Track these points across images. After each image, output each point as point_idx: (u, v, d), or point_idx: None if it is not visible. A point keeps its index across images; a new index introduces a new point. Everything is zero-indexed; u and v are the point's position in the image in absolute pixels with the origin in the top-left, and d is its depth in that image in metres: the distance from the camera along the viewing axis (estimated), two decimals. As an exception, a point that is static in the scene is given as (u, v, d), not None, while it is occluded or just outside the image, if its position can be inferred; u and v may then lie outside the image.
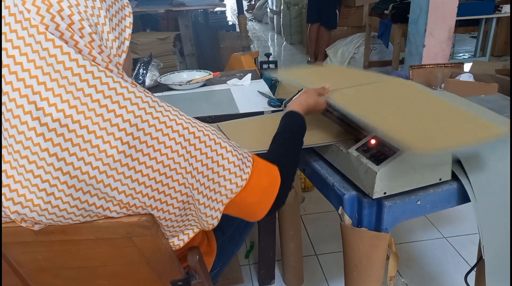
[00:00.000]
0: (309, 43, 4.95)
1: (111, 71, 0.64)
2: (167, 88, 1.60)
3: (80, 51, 0.61)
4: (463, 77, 2.53)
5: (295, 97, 1.05)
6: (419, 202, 0.92)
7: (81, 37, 0.61)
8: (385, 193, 0.88)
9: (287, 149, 0.91)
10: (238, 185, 0.73)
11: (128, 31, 0.73)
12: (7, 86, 0.59)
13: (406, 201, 0.90)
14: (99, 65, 0.62)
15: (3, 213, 0.65)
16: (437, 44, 3.01)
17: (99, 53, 0.63)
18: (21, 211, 0.63)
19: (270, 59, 3.18)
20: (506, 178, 0.91)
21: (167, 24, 3.59)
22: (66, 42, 0.60)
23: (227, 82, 1.62)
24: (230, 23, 4.94)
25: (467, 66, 2.98)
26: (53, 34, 0.59)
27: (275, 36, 7.14)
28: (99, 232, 0.71)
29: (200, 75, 1.66)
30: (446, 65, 2.90)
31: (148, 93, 0.68)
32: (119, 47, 0.70)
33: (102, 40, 0.65)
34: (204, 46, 3.51)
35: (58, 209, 0.64)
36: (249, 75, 1.62)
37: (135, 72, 1.61)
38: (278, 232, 1.56)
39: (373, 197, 0.88)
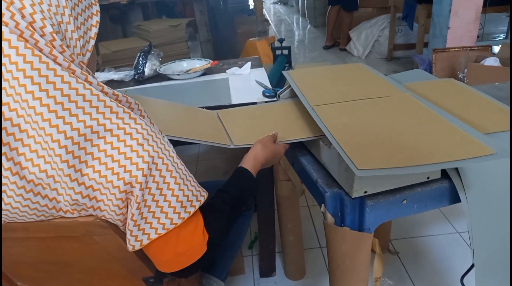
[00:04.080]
0: (327, 26, 4.81)
1: (74, 71, 0.62)
2: (166, 78, 1.58)
3: (40, 50, 0.60)
4: (488, 61, 2.37)
5: (251, 148, 0.94)
6: (405, 201, 0.86)
7: (41, 36, 0.60)
8: (365, 192, 0.83)
9: (222, 219, 0.81)
10: (173, 222, 0.69)
11: (94, 30, 0.71)
12: None
13: (390, 200, 0.85)
14: (61, 65, 0.61)
15: None
16: (462, 25, 2.83)
17: (61, 53, 0.62)
18: None
19: (285, 44, 3.10)
20: (503, 177, 0.83)
21: (183, 10, 3.57)
22: (26, 41, 0.59)
23: (227, 71, 1.58)
24: (251, 7, 4.85)
25: (496, 49, 2.80)
26: (13, 33, 0.57)
27: (300, 19, 6.99)
28: (59, 231, 0.71)
29: (200, 64, 1.63)
30: (472, 48, 2.73)
31: (113, 99, 0.66)
32: (83, 46, 0.68)
33: (66, 39, 0.64)
34: (220, 32, 3.47)
35: (11, 207, 0.64)
36: (248, 64, 1.58)
37: (135, 61, 1.60)
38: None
39: (353, 196, 0.83)
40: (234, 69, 1.57)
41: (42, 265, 0.86)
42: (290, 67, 2.85)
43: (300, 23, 6.77)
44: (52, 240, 0.76)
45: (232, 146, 0.97)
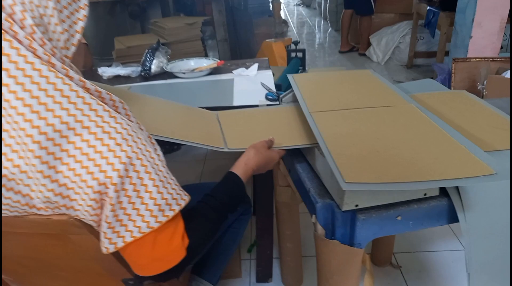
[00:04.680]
0: (342, 30, 4.74)
1: (54, 65, 0.61)
2: (173, 75, 1.57)
3: (20, 43, 0.58)
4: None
5: (244, 153, 0.91)
6: (399, 218, 0.82)
7: (21, 28, 0.59)
8: (356, 205, 0.79)
9: (206, 224, 0.79)
10: (149, 226, 0.66)
11: (81, 23, 0.69)
12: None
13: (383, 216, 0.81)
14: (41, 58, 0.60)
15: None
16: (486, 36, 2.73)
17: (41, 46, 0.61)
18: None
19: (300, 47, 3.06)
20: (504, 200, 0.78)
21: (203, 9, 3.57)
22: (5, 33, 0.57)
23: (233, 71, 1.56)
24: (271, 8, 4.83)
25: (520, 61, 2.69)
26: None
27: (322, 22, 6.92)
28: (35, 227, 0.69)
29: (207, 63, 1.61)
30: (494, 59, 2.63)
31: (94, 96, 0.64)
32: (67, 39, 0.67)
33: (48, 32, 0.63)
34: (238, 32, 3.45)
35: None
36: (255, 65, 1.55)
37: (143, 58, 1.59)
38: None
39: (343, 209, 0.79)
40: (241, 70, 1.54)
41: (25, 260, 0.85)
42: (304, 70, 2.81)
43: (322, 26, 6.70)
44: (32, 236, 0.74)
45: (226, 150, 0.94)
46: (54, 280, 0.91)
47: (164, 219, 0.68)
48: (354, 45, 4.89)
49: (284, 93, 1.21)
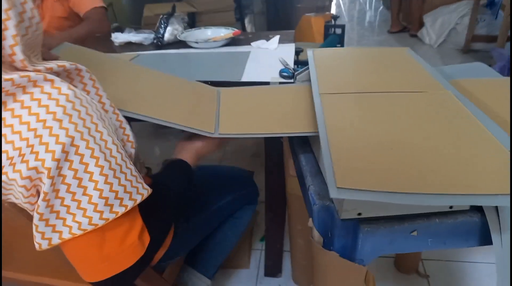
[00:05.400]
0: (391, 8, 4.38)
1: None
2: (187, 45, 1.43)
3: None
4: None
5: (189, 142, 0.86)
6: (415, 233, 0.65)
7: None
8: (359, 214, 0.63)
9: (163, 216, 0.72)
10: (92, 222, 0.55)
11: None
12: None
13: (394, 229, 0.64)
14: None
15: None
16: (558, 18, 2.37)
17: None
18: None
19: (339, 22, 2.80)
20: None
21: (242, -22, 3.38)
22: None
23: (251, 43, 1.39)
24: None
25: None
26: None
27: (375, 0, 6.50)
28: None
29: (225, 33, 1.46)
30: None
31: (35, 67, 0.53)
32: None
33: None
34: (277, 4, 3.24)
35: None
36: (276, 38, 1.38)
37: (156, 26, 1.47)
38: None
39: (341, 217, 0.64)
40: (260, 43, 1.38)
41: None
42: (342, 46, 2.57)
43: (374, 4, 6.29)
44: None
45: (215, 135, 0.80)
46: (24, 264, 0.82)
47: (111, 216, 0.56)
48: (405, 25, 4.52)
49: (300, 70, 1.04)
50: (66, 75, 0.61)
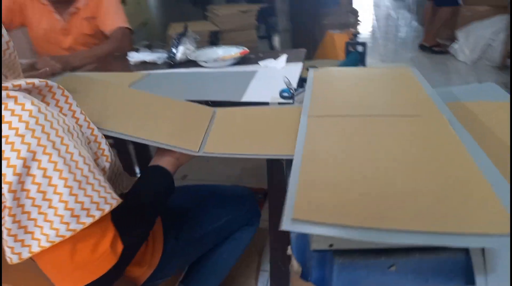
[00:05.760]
0: (424, 24, 4.27)
1: None
2: (198, 64, 1.45)
3: None
4: None
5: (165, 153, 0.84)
6: (393, 268, 0.61)
7: None
8: (331, 245, 0.60)
9: (138, 225, 0.72)
10: (59, 234, 0.55)
11: None
12: None
13: (370, 263, 0.61)
14: None
15: None
16: None
17: None
18: None
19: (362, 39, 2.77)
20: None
21: (268, -5, 3.42)
22: None
23: (259, 62, 1.39)
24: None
25: None
26: None
27: (408, 15, 6.36)
28: None
29: (236, 52, 1.47)
30: None
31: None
32: None
33: None
34: (302, 21, 3.24)
35: None
36: (284, 57, 1.37)
37: (170, 44, 1.50)
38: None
39: (312, 248, 0.61)
40: (268, 61, 1.37)
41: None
42: (363, 66, 2.52)
43: (406, 20, 6.17)
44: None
45: (200, 154, 0.80)
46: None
47: (78, 227, 0.57)
48: (439, 41, 4.39)
49: (299, 91, 1.02)
50: (37, 92, 0.64)
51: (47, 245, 0.56)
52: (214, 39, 2.50)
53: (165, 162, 0.81)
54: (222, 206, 1.10)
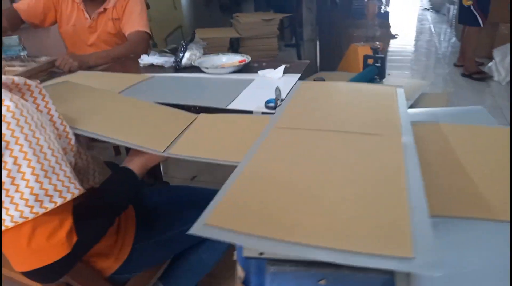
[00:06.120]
0: (461, 42, 4.14)
1: None
2: (201, 70, 1.50)
3: None
4: None
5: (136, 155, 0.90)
6: (323, 282, 0.62)
7: None
8: (261, 253, 0.62)
9: (100, 221, 0.78)
10: (23, 215, 0.62)
11: None
12: None
13: (301, 275, 0.62)
14: None
15: None
16: None
17: None
18: None
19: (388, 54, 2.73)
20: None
21: (297, 6, 3.45)
22: None
23: (258, 71, 1.42)
24: (382, 10, 4.46)
25: None
26: None
27: (447, 30, 6.18)
28: None
29: (235, 60, 1.51)
30: None
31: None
32: None
33: None
34: (331, 32, 3.24)
35: None
36: (281, 67, 1.39)
37: (178, 49, 1.56)
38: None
39: (243, 255, 0.63)
40: (267, 71, 1.40)
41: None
42: (380, 80, 2.48)
43: (445, 35, 5.99)
44: None
45: (164, 154, 0.85)
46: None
47: (41, 210, 0.63)
48: (477, 60, 4.24)
49: (281, 102, 1.04)
50: (17, 90, 0.70)
51: (11, 224, 0.62)
52: (236, 46, 2.56)
53: (133, 164, 0.87)
54: (197, 208, 1.13)
